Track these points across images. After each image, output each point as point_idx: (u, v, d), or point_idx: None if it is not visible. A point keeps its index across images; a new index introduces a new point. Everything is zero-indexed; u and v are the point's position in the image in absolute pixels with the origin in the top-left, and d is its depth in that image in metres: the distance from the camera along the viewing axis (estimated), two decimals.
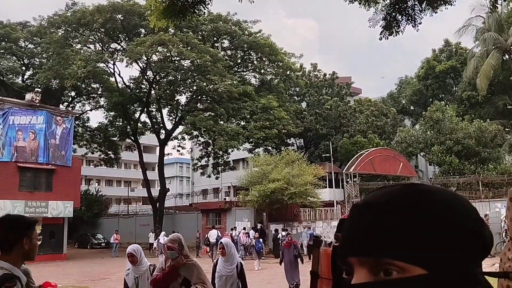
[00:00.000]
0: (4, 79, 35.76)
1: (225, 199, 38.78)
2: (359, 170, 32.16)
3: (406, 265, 0.64)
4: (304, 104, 42.32)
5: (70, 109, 36.29)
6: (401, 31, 6.11)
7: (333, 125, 39.24)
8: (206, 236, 28.84)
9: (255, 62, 37.39)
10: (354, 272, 0.69)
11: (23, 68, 39.84)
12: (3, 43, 37.37)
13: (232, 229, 30.12)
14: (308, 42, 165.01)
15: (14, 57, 38.92)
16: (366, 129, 38.85)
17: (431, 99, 44.38)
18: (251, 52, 36.79)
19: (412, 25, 6.09)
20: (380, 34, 6.25)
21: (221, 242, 5.85)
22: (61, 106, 36.40)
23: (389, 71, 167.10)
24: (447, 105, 38.61)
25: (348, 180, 32.34)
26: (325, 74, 42.88)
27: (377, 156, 33.14)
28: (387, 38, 6.18)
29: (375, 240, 0.66)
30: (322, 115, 39.26)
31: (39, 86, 34.03)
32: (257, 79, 38.66)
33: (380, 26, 6.23)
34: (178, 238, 4.76)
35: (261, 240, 23.40)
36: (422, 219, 0.66)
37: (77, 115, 35.65)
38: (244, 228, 29.41)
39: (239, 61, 37.88)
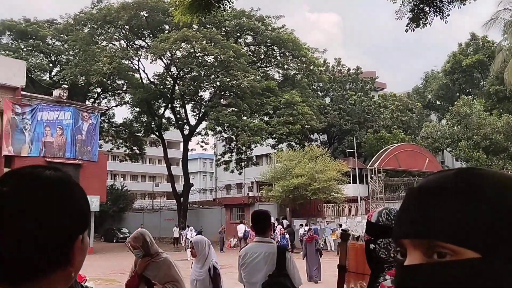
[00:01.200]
0: (32, 76, 36.50)
1: (248, 194, 38.89)
2: (384, 166, 31.81)
3: (459, 248, 0.64)
4: (327, 99, 42.06)
5: (96, 105, 36.86)
6: (429, 23, 6.00)
7: (357, 121, 38.90)
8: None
9: (278, 57, 37.29)
10: (407, 254, 0.70)
11: (51, 65, 40.60)
12: (31, 40, 38.15)
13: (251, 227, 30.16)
14: (331, 37, 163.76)
15: (41, 54, 39.71)
16: (391, 124, 38.39)
17: (458, 94, 43.56)
18: (274, 48, 36.70)
19: (440, 17, 5.98)
20: (407, 26, 6.15)
21: (191, 241, 4.99)
22: (87, 102, 37.01)
23: (415, 65, 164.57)
24: (474, 100, 37.83)
25: (372, 176, 32.03)
26: (349, 69, 42.52)
27: (403, 151, 32.71)
28: (414, 30, 6.08)
29: (429, 223, 0.67)
30: (346, 110, 38.95)
31: (66, 82, 34.66)
32: (280, 74, 38.56)
33: (407, 18, 6.13)
34: (141, 235, 4.21)
35: (286, 236, 22.66)
36: (477, 202, 0.65)
37: (103, 111, 36.18)
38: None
39: (262, 56, 37.84)
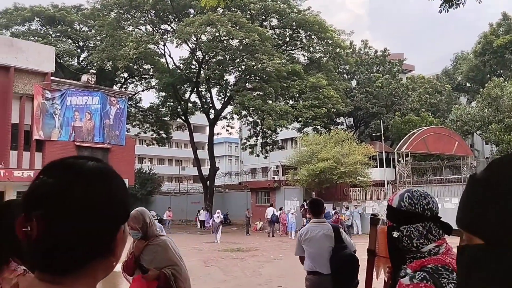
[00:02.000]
0: (61, 61, 37.10)
1: (273, 178, 38.98)
2: (412, 149, 31.36)
3: (469, 234, 0.75)
4: (354, 82, 41.55)
5: (123, 90, 37.30)
6: (462, 3, 5.82)
7: (384, 104, 38.36)
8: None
9: (303, 40, 36.90)
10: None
11: (79, 50, 41.19)
12: (59, 26, 38.70)
13: (280, 209, 30.33)
14: (358, 18, 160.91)
15: (69, 40, 40.29)
16: (419, 107, 37.74)
17: (488, 75, 42.38)
18: (300, 30, 36.31)
19: None
20: (440, 7, 5.97)
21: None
22: (114, 87, 37.48)
23: (444, 47, 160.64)
24: (506, 81, 36.75)
25: (399, 159, 31.64)
26: (376, 51, 41.81)
27: (431, 135, 32.15)
28: (447, 11, 5.90)
29: (462, 213, 0.78)
30: (373, 93, 38.43)
31: (93, 67, 35.14)
32: (305, 58, 38.20)
33: None
34: (141, 216, 3.89)
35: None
36: (490, 194, 0.72)
37: (130, 95, 36.61)
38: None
39: (287, 39, 37.50)
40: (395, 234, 1.81)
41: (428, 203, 1.80)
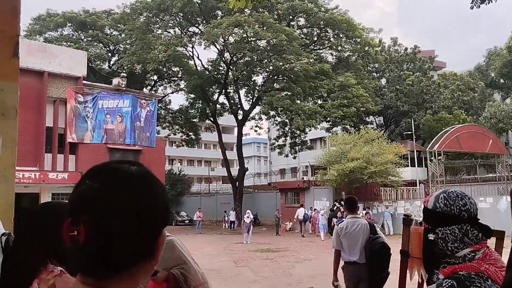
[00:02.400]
0: (92, 65, 37.88)
1: (303, 178, 38.81)
2: (444, 148, 30.67)
3: None
4: (383, 81, 40.97)
5: (153, 92, 37.83)
6: None
7: (415, 102, 37.68)
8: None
9: (332, 39, 36.62)
10: None
11: (109, 54, 41.98)
12: (90, 31, 39.54)
13: (311, 209, 30.16)
14: (386, 15, 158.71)
15: (100, 44, 41.11)
16: (451, 105, 36.91)
17: None
18: (328, 29, 36.05)
19: None
20: (472, 3, 5.81)
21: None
22: (144, 89, 38.03)
23: (476, 43, 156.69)
24: None
25: (432, 158, 31.00)
26: (406, 49, 41.14)
27: (464, 132, 31.36)
28: (479, 6, 5.75)
29: None
30: (403, 92, 37.80)
31: (124, 71, 35.75)
32: (334, 57, 37.88)
33: None
34: None
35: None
36: None
37: (160, 98, 37.08)
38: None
39: (315, 39, 37.28)
40: (431, 236, 1.74)
41: (465, 204, 1.72)
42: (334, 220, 24.05)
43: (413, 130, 33.99)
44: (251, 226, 25.50)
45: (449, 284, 1.59)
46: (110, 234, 0.84)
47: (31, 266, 1.55)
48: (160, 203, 0.92)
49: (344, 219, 6.17)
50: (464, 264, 1.65)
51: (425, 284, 2.08)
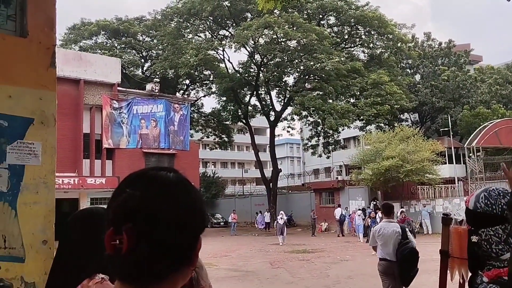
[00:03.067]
0: (126, 71, 38.64)
1: (337, 178, 38.47)
2: (483, 144, 29.84)
3: None
4: (418, 77, 40.14)
5: (185, 96, 38.27)
6: None
7: (451, 97, 36.75)
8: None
9: (363, 36, 36.18)
10: None
11: (142, 60, 42.74)
12: (123, 38, 40.36)
13: (346, 209, 29.88)
14: (419, 9, 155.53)
15: (133, 51, 41.92)
16: (489, 99, 35.82)
17: None
18: (359, 27, 35.64)
19: None
20: None
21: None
22: (177, 94, 38.53)
23: None
24: None
25: (470, 155, 30.19)
26: (440, 43, 40.20)
27: (504, 127, 30.43)
28: None
29: None
30: (439, 87, 36.93)
31: (156, 76, 36.31)
32: (366, 54, 37.40)
33: None
34: None
35: (378, 219, 19.89)
36: None
37: (192, 101, 37.48)
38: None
39: (346, 37, 36.92)
40: (474, 238, 1.67)
41: None
42: (369, 220, 23.79)
43: (450, 126, 33.16)
44: (285, 227, 25.10)
45: None
46: (153, 242, 0.85)
47: (77, 273, 1.57)
48: (199, 210, 0.93)
49: (377, 220, 7.16)
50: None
51: (466, 284, 2.02)
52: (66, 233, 1.69)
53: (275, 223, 27.85)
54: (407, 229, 7.09)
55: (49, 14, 2.90)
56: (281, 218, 24.94)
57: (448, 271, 2.37)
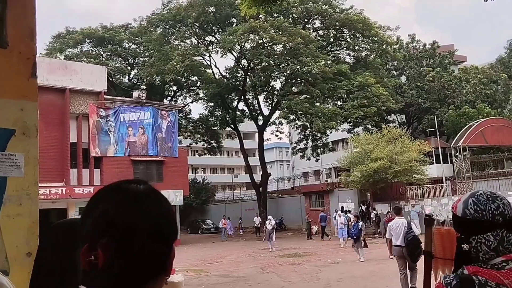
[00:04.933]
0: (113, 79, 38.42)
1: (326, 180, 38.55)
2: (469, 143, 30.16)
3: None
4: (403, 78, 40.50)
5: (173, 103, 38.15)
6: None
7: (437, 98, 37.12)
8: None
9: (348, 39, 36.41)
10: None
11: (129, 67, 42.55)
12: (109, 46, 40.15)
13: (336, 211, 29.94)
14: (404, 11, 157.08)
15: (120, 58, 41.72)
16: (474, 99, 36.25)
17: None
18: (344, 30, 35.87)
19: None
20: None
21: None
22: (164, 100, 38.39)
23: (497, 35, 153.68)
24: None
25: (457, 154, 30.49)
26: (424, 45, 40.61)
27: (489, 126, 30.80)
28: None
29: None
30: (424, 88, 37.29)
31: (143, 83, 36.16)
32: (351, 57, 37.66)
33: None
34: None
35: (360, 224, 18.38)
36: None
37: (180, 108, 37.37)
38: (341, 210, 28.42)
39: (331, 40, 37.14)
40: (465, 247, 1.56)
41: (498, 207, 1.54)
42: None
43: (437, 127, 33.48)
44: (274, 232, 24.11)
45: (454, 282, 1.47)
46: (129, 255, 0.85)
47: (56, 286, 1.54)
48: (170, 219, 0.95)
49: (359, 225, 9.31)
50: (490, 270, 1.48)
51: None
52: (46, 244, 1.67)
53: (264, 228, 27.61)
54: (411, 223, 10.46)
55: (29, 24, 2.88)
56: (269, 223, 24.14)
57: (432, 272, 2.39)
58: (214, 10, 35.34)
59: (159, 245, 0.89)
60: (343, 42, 36.99)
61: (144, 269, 0.87)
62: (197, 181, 49.04)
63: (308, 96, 33.07)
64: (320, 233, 29.39)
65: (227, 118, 39.55)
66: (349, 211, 27.66)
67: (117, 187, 0.96)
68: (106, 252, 0.84)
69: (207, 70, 37.57)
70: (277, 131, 41.02)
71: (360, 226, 17.60)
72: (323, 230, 29.08)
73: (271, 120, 39.07)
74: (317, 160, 39.72)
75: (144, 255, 0.86)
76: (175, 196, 31.09)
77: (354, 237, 17.62)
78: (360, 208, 30.60)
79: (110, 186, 0.96)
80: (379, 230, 26.70)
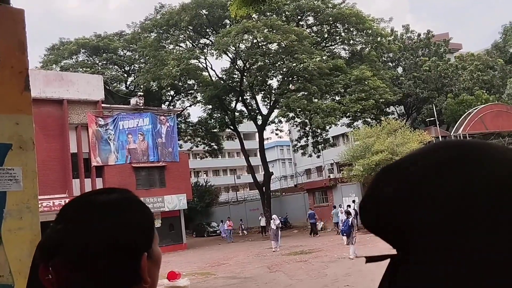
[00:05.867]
0: (110, 87, 38.45)
1: (329, 176, 38.55)
2: (469, 131, 30.17)
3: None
4: (400, 69, 40.47)
5: (171, 107, 38.16)
6: None
7: (435, 87, 37.09)
8: None
9: (342, 34, 36.40)
10: None
11: (125, 75, 42.56)
12: (104, 54, 40.17)
13: (340, 206, 29.97)
14: (397, 2, 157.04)
15: (116, 66, 41.74)
16: (471, 86, 36.22)
17: None
18: (337, 25, 35.86)
19: None
20: None
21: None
22: (162, 106, 38.40)
23: (491, 20, 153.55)
24: None
25: None
26: (419, 35, 40.57)
27: (488, 112, 30.82)
28: None
29: None
30: (421, 78, 37.27)
31: (140, 90, 36.18)
32: (347, 51, 37.64)
33: None
34: None
35: (350, 220, 17.63)
36: None
37: (178, 112, 37.38)
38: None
39: (326, 35, 37.12)
40: None
41: None
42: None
43: (436, 116, 33.47)
44: (279, 232, 23.56)
45: None
46: (85, 272, 0.83)
47: None
48: (137, 227, 0.90)
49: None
50: None
51: None
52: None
53: (269, 228, 27.34)
54: None
55: (19, 38, 2.88)
56: (273, 223, 23.55)
57: None
58: (207, 13, 35.35)
59: (122, 255, 0.85)
60: (337, 37, 36.98)
61: (107, 281, 0.84)
62: (200, 184, 49.05)
63: (305, 93, 33.08)
64: (328, 229, 29.46)
65: (226, 120, 39.56)
66: (349, 206, 27.77)
67: (74, 202, 0.94)
68: (58, 272, 0.83)
69: (203, 73, 37.59)
70: (276, 129, 41.07)
71: (350, 223, 17.07)
72: (312, 227, 29.46)
73: (270, 119, 39.07)
74: (318, 157, 39.72)
75: (103, 267, 0.83)
76: (178, 201, 31.11)
77: (344, 234, 17.28)
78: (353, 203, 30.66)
79: (70, 202, 0.94)
80: None
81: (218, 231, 39.85)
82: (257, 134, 42.03)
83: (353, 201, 30.09)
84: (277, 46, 33.09)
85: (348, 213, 18.36)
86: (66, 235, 0.86)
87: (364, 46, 36.36)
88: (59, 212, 0.92)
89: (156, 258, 0.93)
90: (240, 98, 38.13)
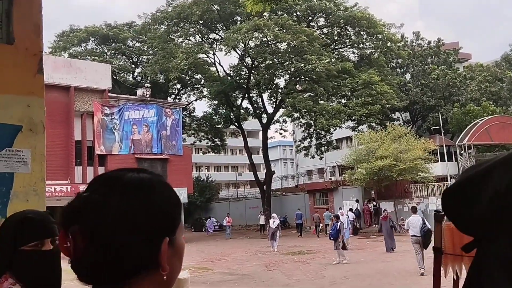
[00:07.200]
0: (117, 77, 38.46)
1: (330, 178, 38.52)
2: (474, 141, 30.07)
3: None
4: (408, 76, 40.36)
5: (177, 101, 38.17)
6: None
7: (442, 95, 36.96)
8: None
9: (352, 37, 36.31)
10: None
11: (133, 65, 42.58)
12: (113, 44, 40.19)
13: (340, 209, 29.94)
14: (408, 8, 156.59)
15: (124, 56, 41.76)
16: (479, 96, 36.07)
17: None
18: (348, 27, 35.77)
19: None
20: None
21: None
22: (168, 98, 38.42)
23: (502, 32, 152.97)
24: None
25: (462, 152, 30.39)
26: (429, 42, 40.43)
27: (494, 124, 30.70)
28: None
29: None
30: (429, 86, 37.15)
31: (147, 81, 36.21)
32: (356, 55, 37.56)
33: None
34: None
35: (338, 224, 16.70)
36: None
37: (184, 106, 37.38)
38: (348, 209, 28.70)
39: (336, 38, 37.04)
40: None
41: None
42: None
43: (441, 125, 33.36)
44: (278, 231, 22.77)
45: None
46: (101, 243, 0.82)
47: None
48: (159, 210, 0.88)
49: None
50: None
51: (461, 281, 2.02)
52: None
53: (267, 227, 27.03)
54: (424, 218, 13.71)
55: (35, 21, 2.87)
56: (273, 222, 22.79)
57: (442, 268, 2.37)
58: (218, 8, 35.32)
59: (139, 238, 0.83)
60: (347, 40, 36.90)
61: (121, 262, 0.82)
62: (201, 179, 49.07)
63: (312, 94, 33.03)
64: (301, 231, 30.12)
65: (231, 116, 39.53)
66: (351, 209, 27.78)
67: (102, 175, 0.93)
68: (77, 239, 0.82)
69: (211, 68, 37.57)
70: (281, 129, 40.98)
71: (338, 227, 16.41)
72: (298, 227, 30.69)
73: (275, 118, 39.02)
74: (321, 158, 39.66)
75: (119, 246, 0.82)
76: (179, 194, 30.17)
77: (331, 238, 16.65)
78: (366, 205, 30.65)
79: (99, 175, 0.94)
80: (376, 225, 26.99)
81: (217, 226, 39.83)
82: (261, 133, 42.01)
83: (356, 201, 30.02)
84: (286, 46, 33.05)
85: (337, 218, 17.57)
86: (86, 204, 0.85)
87: (373, 50, 36.27)
88: (90, 182, 0.92)
89: (178, 247, 0.91)
90: (246, 95, 38.09)
